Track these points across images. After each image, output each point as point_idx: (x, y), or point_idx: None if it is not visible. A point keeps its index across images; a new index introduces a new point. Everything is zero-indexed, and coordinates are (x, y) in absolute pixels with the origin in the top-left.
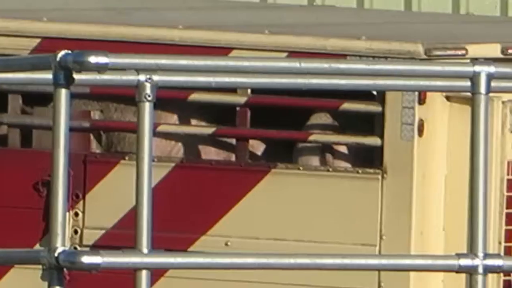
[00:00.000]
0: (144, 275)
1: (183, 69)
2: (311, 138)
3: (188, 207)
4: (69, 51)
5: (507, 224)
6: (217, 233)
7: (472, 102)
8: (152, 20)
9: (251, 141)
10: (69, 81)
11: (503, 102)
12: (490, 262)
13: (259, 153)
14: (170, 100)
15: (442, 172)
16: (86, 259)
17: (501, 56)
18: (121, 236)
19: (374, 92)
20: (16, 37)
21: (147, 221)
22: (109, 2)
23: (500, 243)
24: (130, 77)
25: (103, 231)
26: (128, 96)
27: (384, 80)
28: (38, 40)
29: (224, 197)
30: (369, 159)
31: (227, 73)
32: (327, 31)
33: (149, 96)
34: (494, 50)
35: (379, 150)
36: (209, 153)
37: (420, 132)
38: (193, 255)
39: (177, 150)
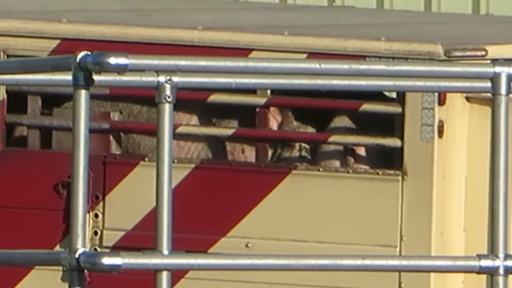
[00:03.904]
0: (164, 276)
1: (203, 70)
2: (331, 139)
3: (208, 208)
4: (89, 52)
5: None
6: (237, 234)
7: (492, 103)
8: (172, 21)
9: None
10: (88, 82)
11: None
12: (511, 263)
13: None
14: (190, 101)
15: (462, 173)
16: (107, 261)
17: None
18: (141, 237)
19: (394, 94)
20: (35, 38)
21: (168, 222)
22: (129, 3)
23: None
24: (150, 79)
25: (123, 233)
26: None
27: (404, 81)
28: (57, 41)
29: (244, 199)
30: (389, 160)
31: (247, 74)
32: (346, 32)
33: (169, 97)
34: None
35: (399, 151)
36: (229, 154)
37: (440, 133)
38: (213, 256)
39: (197, 151)
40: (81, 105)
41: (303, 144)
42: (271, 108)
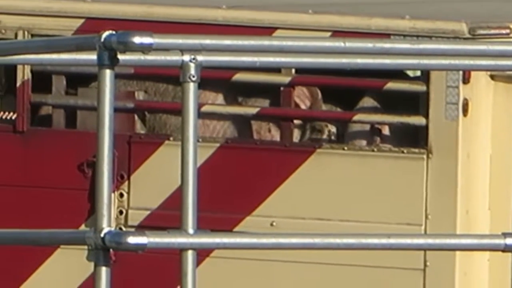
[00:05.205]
0: (189, 255)
1: (227, 49)
2: (356, 118)
3: (233, 187)
4: (113, 32)
5: None
6: (262, 213)
7: None
8: (196, 0)
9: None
10: (113, 62)
11: None
12: None
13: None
14: (215, 80)
15: (487, 151)
16: (132, 240)
17: None
18: (166, 217)
19: (418, 72)
20: (60, 18)
21: (193, 202)
22: None
23: None
24: (175, 58)
25: (148, 212)
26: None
27: (428, 59)
28: (82, 21)
29: (269, 177)
30: (413, 138)
31: (272, 53)
32: (371, 11)
33: (193, 76)
34: None
35: (424, 129)
36: (255, 133)
37: (465, 111)
38: (238, 235)
39: (222, 130)
40: (106, 84)
41: (332, 130)
42: (300, 92)
